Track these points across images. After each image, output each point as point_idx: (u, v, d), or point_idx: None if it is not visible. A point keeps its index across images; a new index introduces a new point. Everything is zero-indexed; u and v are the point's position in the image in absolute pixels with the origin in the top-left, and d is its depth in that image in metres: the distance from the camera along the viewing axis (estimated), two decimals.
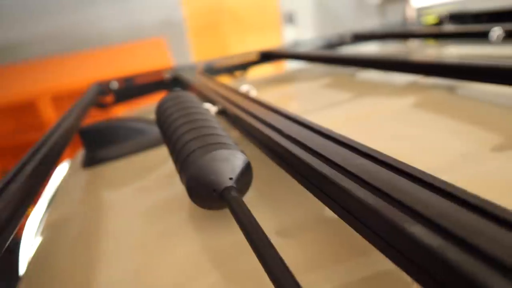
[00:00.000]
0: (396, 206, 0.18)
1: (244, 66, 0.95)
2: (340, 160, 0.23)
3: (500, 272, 0.13)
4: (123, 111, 1.05)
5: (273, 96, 0.72)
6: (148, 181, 0.43)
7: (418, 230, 0.16)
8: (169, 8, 2.35)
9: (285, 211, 0.30)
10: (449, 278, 0.14)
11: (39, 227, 0.42)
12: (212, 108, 0.43)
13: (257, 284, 0.24)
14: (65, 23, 2.13)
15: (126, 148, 0.47)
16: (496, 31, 0.63)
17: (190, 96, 0.39)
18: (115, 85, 0.86)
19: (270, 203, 0.32)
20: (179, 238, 0.30)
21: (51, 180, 0.56)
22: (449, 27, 1.04)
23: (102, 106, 0.85)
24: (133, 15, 2.27)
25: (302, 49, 0.98)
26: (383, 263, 0.22)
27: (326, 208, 0.24)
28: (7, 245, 0.24)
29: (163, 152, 0.49)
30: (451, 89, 0.51)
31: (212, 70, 0.92)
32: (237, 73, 0.95)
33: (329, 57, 0.76)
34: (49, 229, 0.40)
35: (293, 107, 0.66)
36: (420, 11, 2.54)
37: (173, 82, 0.89)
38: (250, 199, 0.29)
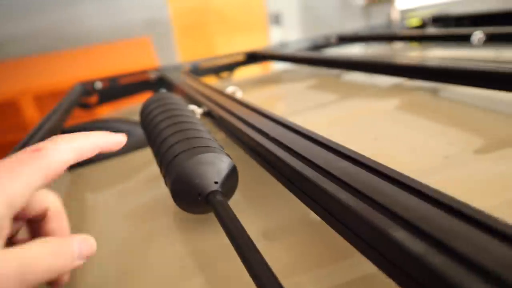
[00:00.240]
0: (378, 209, 0.18)
1: (230, 67, 0.95)
2: (323, 163, 0.23)
3: (480, 277, 0.13)
4: (107, 111, 1.03)
5: (259, 98, 0.72)
6: (133, 183, 0.43)
7: (399, 234, 0.16)
8: (155, 7, 2.33)
9: (271, 214, 0.31)
10: (431, 282, 0.14)
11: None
12: (197, 110, 0.43)
13: None
14: (49, 21, 2.09)
15: None
16: (478, 35, 0.64)
17: (175, 98, 0.39)
18: (99, 85, 0.84)
19: (255, 206, 0.32)
20: (163, 241, 0.30)
21: None
22: (433, 30, 1.06)
23: (86, 106, 0.84)
24: (119, 14, 2.24)
25: (288, 50, 0.99)
26: (366, 266, 0.22)
27: (311, 211, 0.24)
28: None
29: (148, 154, 0.49)
30: (434, 92, 0.52)
31: (198, 71, 0.91)
32: (224, 74, 0.95)
33: (315, 58, 0.76)
34: None
35: (278, 109, 0.66)
36: (404, 13, 2.58)
37: (159, 83, 0.88)
38: (235, 201, 0.29)
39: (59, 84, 1.59)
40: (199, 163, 0.26)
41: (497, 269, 0.13)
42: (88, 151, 0.22)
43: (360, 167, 0.22)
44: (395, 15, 2.56)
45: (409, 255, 0.15)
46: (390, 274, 0.17)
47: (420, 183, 0.19)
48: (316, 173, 0.22)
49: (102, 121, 0.60)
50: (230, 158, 0.28)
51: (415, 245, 0.15)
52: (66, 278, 0.22)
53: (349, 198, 0.19)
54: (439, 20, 1.11)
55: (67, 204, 0.43)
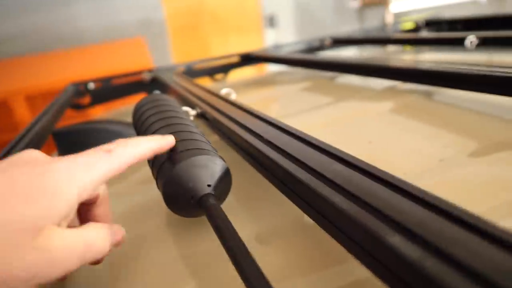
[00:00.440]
0: (372, 213, 0.18)
1: (225, 69, 0.95)
2: (317, 165, 0.23)
3: (475, 282, 0.13)
4: (101, 113, 1.02)
5: (253, 99, 0.72)
6: (124, 186, 0.42)
7: (394, 239, 0.16)
8: (150, 7, 2.32)
9: (264, 217, 0.30)
10: (425, 287, 0.14)
11: None
12: (191, 112, 0.43)
13: None
14: (42, 21, 2.07)
15: None
16: (471, 39, 0.65)
17: (168, 99, 0.38)
18: (92, 86, 0.84)
19: (248, 208, 0.32)
20: (155, 245, 0.30)
21: None
22: (427, 34, 1.07)
23: (78, 107, 0.83)
24: (113, 14, 2.23)
25: (283, 53, 0.99)
26: (360, 271, 0.22)
27: (305, 214, 0.24)
28: None
29: None
30: (428, 95, 0.52)
31: (193, 72, 0.91)
32: (218, 75, 0.94)
33: (309, 61, 0.76)
34: None
35: (273, 111, 0.66)
36: (398, 16, 2.60)
37: (152, 84, 0.87)
38: (228, 204, 0.29)
39: (51, 84, 1.58)
40: (192, 166, 0.25)
41: (491, 274, 0.13)
42: (147, 155, 0.25)
43: (355, 170, 0.22)
44: (389, 18, 2.58)
45: (404, 260, 0.15)
46: (384, 279, 0.17)
47: (415, 187, 0.19)
48: (310, 176, 0.22)
49: (95, 122, 0.59)
50: (224, 160, 0.27)
51: (410, 250, 0.15)
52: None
53: (343, 202, 0.19)
54: (432, 23, 1.12)
55: None
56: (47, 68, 1.87)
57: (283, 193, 0.26)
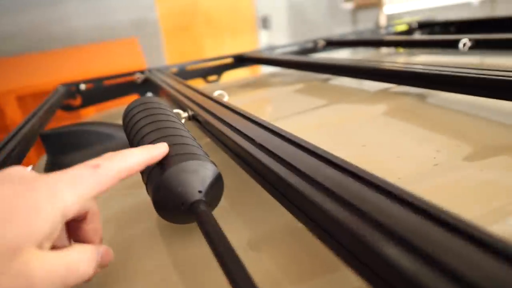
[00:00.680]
0: (365, 220, 0.17)
1: (218, 70, 0.94)
2: (309, 170, 0.23)
3: None
4: (93, 114, 1.01)
5: (246, 101, 0.72)
6: (113, 190, 0.41)
7: (387, 248, 0.15)
8: (143, 8, 2.30)
9: (256, 222, 0.30)
10: None
11: None
12: (182, 114, 0.42)
13: None
14: (34, 20, 2.04)
15: (92, 154, 0.45)
16: (464, 41, 0.65)
17: (159, 102, 0.38)
18: (83, 86, 0.83)
19: (240, 214, 0.31)
20: (144, 251, 0.29)
21: None
22: (420, 36, 1.07)
23: (69, 109, 0.82)
24: (106, 14, 2.21)
25: (276, 54, 0.98)
26: (354, 279, 0.22)
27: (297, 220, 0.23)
28: None
29: None
30: (421, 98, 0.52)
31: (186, 73, 0.90)
32: (211, 77, 0.94)
33: (302, 62, 0.76)
34: None
35: (265, 113, 0.65)
36: (391, 18, 2.61)
37: (145, 85, 0.87)
38: (220, 208, 0.29)
39: (43, 85, 1.56)
40: (182, 171, 0.25)
41: (486, 283, 0.12)
42: (138, 168, 0.24)
43: (347, 175, 0.21)
44: (383, 20, 2.59)
45: (396, 269, 0.15)
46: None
47: (409, 194, 0.18)
48: (302, 181, 0.22)
49: (85, 124, 0.58)
50: (215, 165, 0.27)
51: (403, 258, 0.15)
52: None
53: (336, 208, 0.19)
54: (425, 25, 1.12)
55: None
56: (39, 68, 1.85)
57: (275, 198, 0.25)
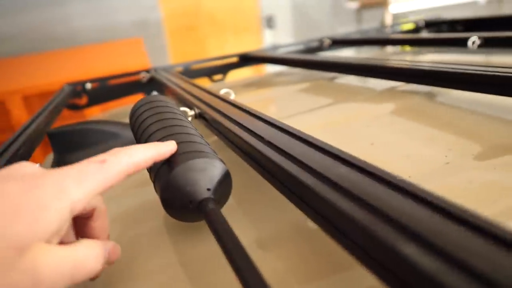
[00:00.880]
0: (380, 218, 0.17)
1: (223, 69, 0.94)
2: (321, 168, 0.22)
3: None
4: (98, 113, 1.01)
5: (251, 100, 0.71)
6: (120, 189, 0.41)
7: (404, 246, 0.15)
8: (147, 8, 2.31)
9: (265, 221, 0.29)
10: None
11: None
12: (189, 112, 0.42)
13: None
14: (39, 20, 2.05)
15: (98, 153, 0.45)
16: (473, 39, 0.64)
17: (166, 100, 0.37)
18: (89, 86, 0.83)
19: (249, 212, 0.31)
20: (151, 249, 0.29)
21: None
22: (428, 35, 1.07)
23: (75, 108, 0.82)
24: (110, 14, 2.22)
25: (282, 53, 0.98)
26: (367, 279, 0.21)
27: (308, 218, 0.23)
28: None
29: None
30: (430, 96, 0.52)
31: (191, 73, 0.90)
32: (216, 76, 0.94)
33: (308, 61, 0.75)
34: None
35: (271, 112, 0.65)
36: (397, 17, 2.60)
37: (150, 84, 0.86)
38: (228, 207, 0.28)
39: (49, 84, 1.57)
40: (190, 169, 0.25)
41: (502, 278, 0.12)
42: (145, 164, 0.24)
43: (361, 173, 0.21)
44: (388, 20, 2.58)
45: (414, 268, 0.14)
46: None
47: (426, 191, 0.18)
48: (315, 179, 0.21)
49: (91, 122, 0.58)
50: (224, 163, 0.26)
51: (421, 257, 0.14)
52: None
53: (350, 206, 0.18)
54: (432, 24, 1.11)
55: None
56: (45, 68, 1.86)
57: (286, 196, 0.25)
